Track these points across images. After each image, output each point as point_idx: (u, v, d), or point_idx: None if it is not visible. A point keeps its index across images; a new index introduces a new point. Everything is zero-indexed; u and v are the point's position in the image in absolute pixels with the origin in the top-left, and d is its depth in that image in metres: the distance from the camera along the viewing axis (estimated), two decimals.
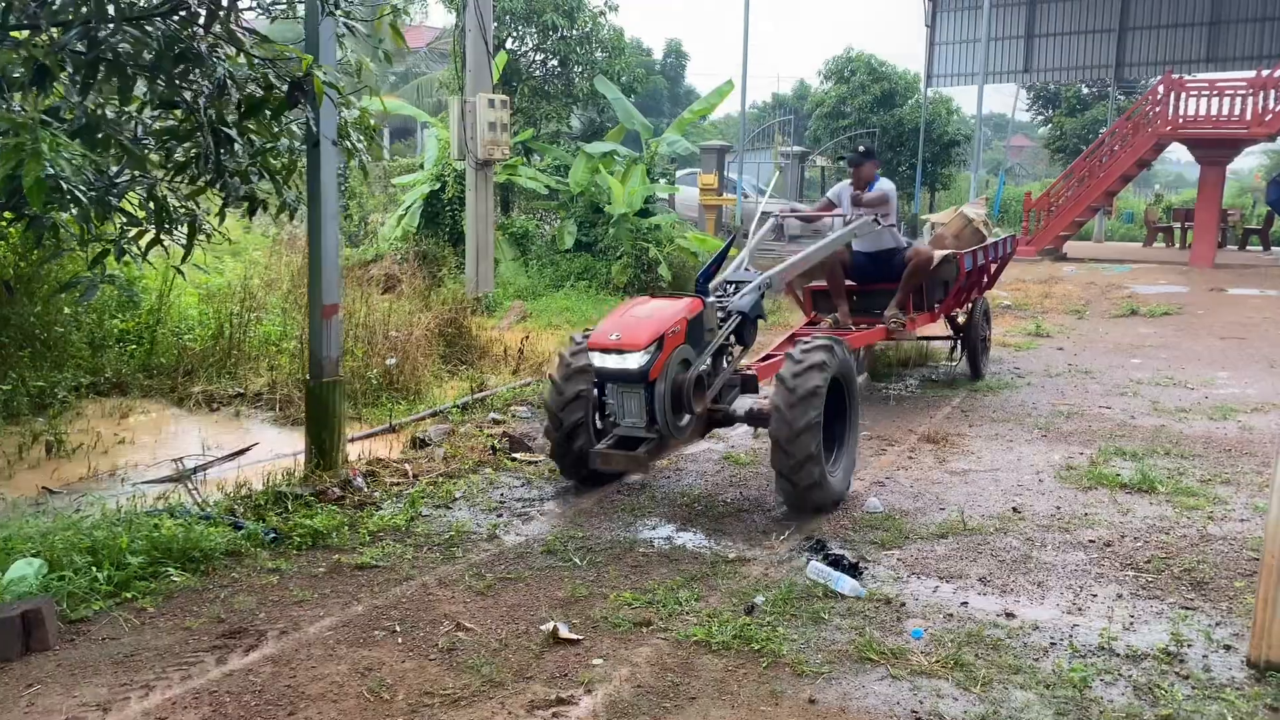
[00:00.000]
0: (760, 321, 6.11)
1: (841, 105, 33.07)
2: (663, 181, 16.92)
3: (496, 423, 7.34)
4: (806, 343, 5.50)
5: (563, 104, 17.93)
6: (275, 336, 8.84)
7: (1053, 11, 28.49)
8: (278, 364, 8.38)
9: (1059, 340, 11.55)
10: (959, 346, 9.34)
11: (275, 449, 6.52)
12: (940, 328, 9.46)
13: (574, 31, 17.57)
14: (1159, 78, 21.06)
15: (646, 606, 4.13)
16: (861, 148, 8.46)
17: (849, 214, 8.01)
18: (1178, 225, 25.58)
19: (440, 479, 5.82)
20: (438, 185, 15.24)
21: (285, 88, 4.69)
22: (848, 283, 8.30)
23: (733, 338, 5.81)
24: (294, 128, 5.22)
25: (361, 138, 5.64)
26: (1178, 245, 24.81)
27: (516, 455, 6.33)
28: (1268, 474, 6.11)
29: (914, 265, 8.11)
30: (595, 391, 5.54)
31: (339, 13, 5.05)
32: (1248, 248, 25.27)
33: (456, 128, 12.99)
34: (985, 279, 9.46)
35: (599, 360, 5.25)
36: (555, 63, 18.11)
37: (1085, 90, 36.81)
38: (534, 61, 18.19)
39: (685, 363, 5.35)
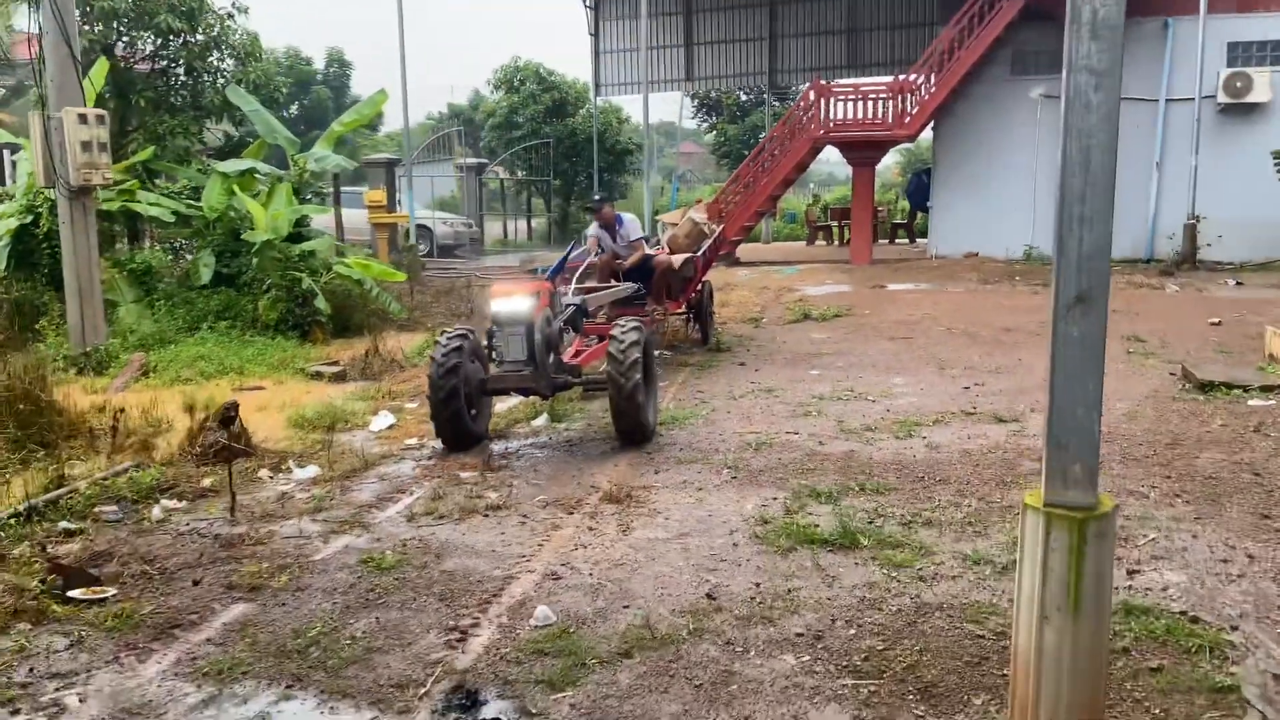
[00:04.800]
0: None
1: (514, 115, 32.39)
2: (314, 202, 15.18)
3: (69, 534, 5.64)
4: (623, 326, 7.26)
5: (191, 117, 15.72)
6: None
7: (709, 21, 29.28)
8: None
9: (739, 354, 11.21)
10: (693, 319, 12.00)
11: None
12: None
13: (198, 36, 15.44)
14: (809, 83, 21.90)
15: None
16: (597, 197, 11.20)
17: (616, 249, 10.61)
18: (835, 224, 27.05)
19: None
20: (29, 219, 12.69)
21: None
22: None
23: (569, 324, 7.84)
24: None
25: None
26: (837, 243, 26.20)
27: (74, 594, 4.66)
28: (965, 507, 5.72)
29: (660, 273, 10.68)
30: (485, 341, 7.32)
31: None
32: (896, 241, 27.15)
33: (40, 149, 10.74)
34: (708, 267, 12.20)
35: (496, 305, 7.07)
36: (180, 71, 15.88)
37: (744, 97, 38.49)
38: (152, 70, 15.83)
39: (548, 321, 7.22)
